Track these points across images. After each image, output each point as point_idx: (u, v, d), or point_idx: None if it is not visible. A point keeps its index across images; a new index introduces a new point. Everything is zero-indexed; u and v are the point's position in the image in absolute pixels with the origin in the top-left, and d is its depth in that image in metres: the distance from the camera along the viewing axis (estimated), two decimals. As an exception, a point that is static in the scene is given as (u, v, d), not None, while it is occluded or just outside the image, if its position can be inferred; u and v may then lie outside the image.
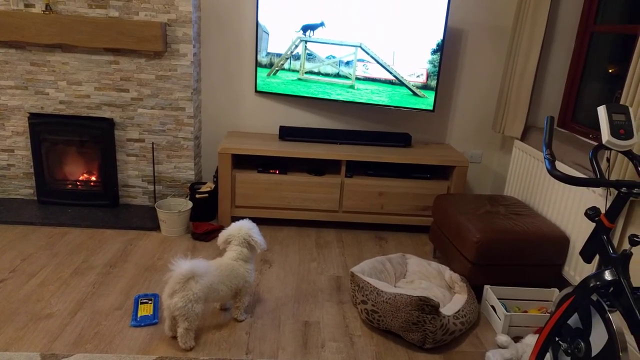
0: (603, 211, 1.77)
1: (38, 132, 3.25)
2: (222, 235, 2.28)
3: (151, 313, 2.30)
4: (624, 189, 1.67)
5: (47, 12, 3.00)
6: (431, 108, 3.34)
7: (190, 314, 2.02)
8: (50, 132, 3.28)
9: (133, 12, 3.10)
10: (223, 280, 2.15)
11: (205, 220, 3.34)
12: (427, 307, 2.12)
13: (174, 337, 2.13)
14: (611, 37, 3.03)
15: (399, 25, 3.19)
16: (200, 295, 2.03)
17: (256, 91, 3.45)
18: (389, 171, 3.34)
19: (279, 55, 3.33)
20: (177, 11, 3.10)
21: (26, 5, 3.05)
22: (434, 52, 3.22)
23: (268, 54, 3.34)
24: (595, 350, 1.66)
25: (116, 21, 3.00)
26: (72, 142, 3.34)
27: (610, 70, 3.03)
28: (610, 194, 2.24)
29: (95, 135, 3.30)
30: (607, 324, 1.61)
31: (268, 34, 3.29)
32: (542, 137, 3.11)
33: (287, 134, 3.42)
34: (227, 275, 2.17)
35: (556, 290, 2.53)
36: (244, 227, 2.27)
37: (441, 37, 3.18)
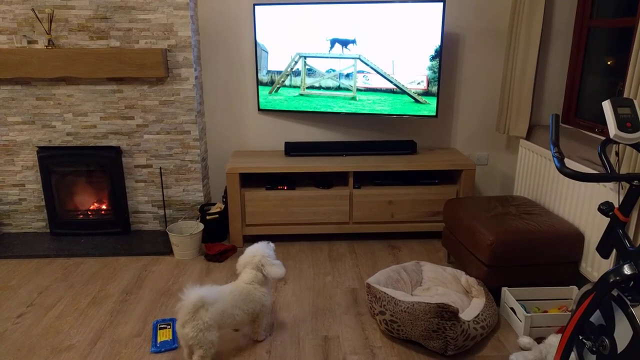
0: (616, 205, 1.76)
1: (47, 165, 3.29)
2: (239, 263, 2.26)
3: (170, 338, 2.30)
4: (635, 182, 1.67)
5: (49, 47, 3.06)
6: (434, 114, 3.35)
7: (203, 343, 1.98)
8: (59, 164, 3.32)
9: (133, 41, 3.14)
10: (238, 305, 2.12)
11: (217, 241, 3.34)
12: (446, 313, 2.10)
13: (195, 361, 2.13)
14: (608, 31, 3.04)
15: (396, 34, 3.22)
16: (211, 323, 1.99)
17: (259, 109, 3.48)
18: (396, 179, 3.34)
19: (279, 72, 3.36)
20: (177, 36, 3.15)
21: (29, 42, 3.10)
22: (433, 58, 3.24)
23: (268, 72, 3.37)
24: (620, 347, 1.64)
25: (117, 51, 3.04)
26: (81, 172, 3.37)
27: (609, 63, 3.03)
28: (622, 188, 2.22)
29: (103, 164, 3.33)
30: (631, 319, 1.60)
31: (267, 52, 3.32)
32: (547, 134, 3.11)
33: (293, 149, 3.44)
34: (243, 300, 2.14)
35: (575, 287, 2.51)
36: (258, 253, 2.23)
37: (439, 42, 3.20)
